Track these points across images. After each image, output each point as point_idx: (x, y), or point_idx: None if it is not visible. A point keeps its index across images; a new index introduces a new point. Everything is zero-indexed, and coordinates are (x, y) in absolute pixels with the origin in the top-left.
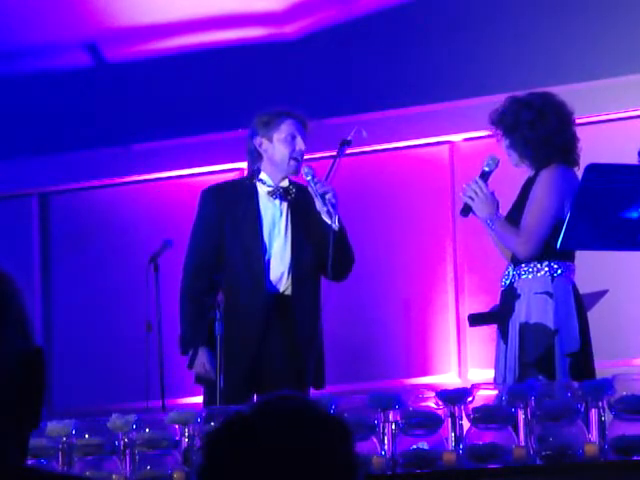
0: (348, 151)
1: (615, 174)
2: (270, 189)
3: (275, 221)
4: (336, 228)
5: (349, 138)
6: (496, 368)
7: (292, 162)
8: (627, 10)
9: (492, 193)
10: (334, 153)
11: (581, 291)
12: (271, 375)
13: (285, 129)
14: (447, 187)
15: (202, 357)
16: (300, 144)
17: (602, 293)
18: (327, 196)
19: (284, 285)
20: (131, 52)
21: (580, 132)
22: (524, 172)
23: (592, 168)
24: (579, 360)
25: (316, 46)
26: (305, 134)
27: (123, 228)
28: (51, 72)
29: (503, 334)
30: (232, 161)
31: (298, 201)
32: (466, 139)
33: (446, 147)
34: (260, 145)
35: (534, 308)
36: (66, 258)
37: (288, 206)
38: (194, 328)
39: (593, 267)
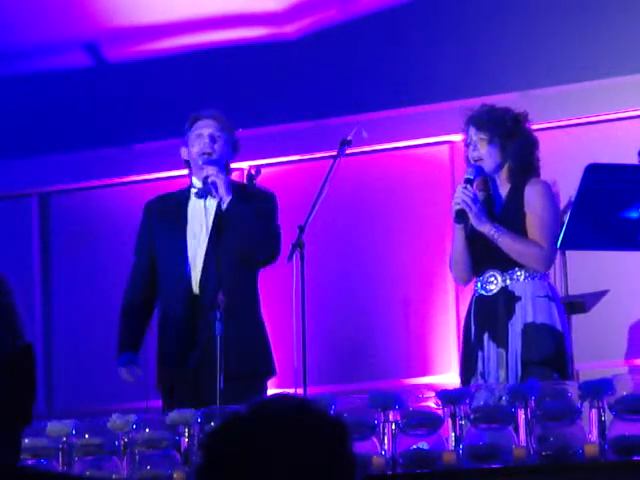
0: (348, 151)
1: (615, 174)
2: (195, 190)
3: (202, 222)
4: (223, 208)
5: (349, 138)
6: (486, 374)
7: (200, 158)
8: (627, 10)
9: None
10: (334, 153)
11: (581, 291)
12: (199, 376)
13: (193, 130)
14: (447, 187)
15: (122, 363)
16: (205, 139)
17: (602, 293)
18: (210, 179)
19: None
20: (131, 52)
21: (580, 132)
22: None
23: (592, 168)
24: (572, 363)
25: (316, 46)
26: (220, 128)
27: (123, 228)
28: (51, 72)
29: (496, 338)
30: (231, 161)
31: (231, 199)
32: None
33: (446, 147)
34: (183, 154)
35: (539, 310)
36: (66, 258)
37: (217, 205)
38: (122, 335)
39: (593, 267)
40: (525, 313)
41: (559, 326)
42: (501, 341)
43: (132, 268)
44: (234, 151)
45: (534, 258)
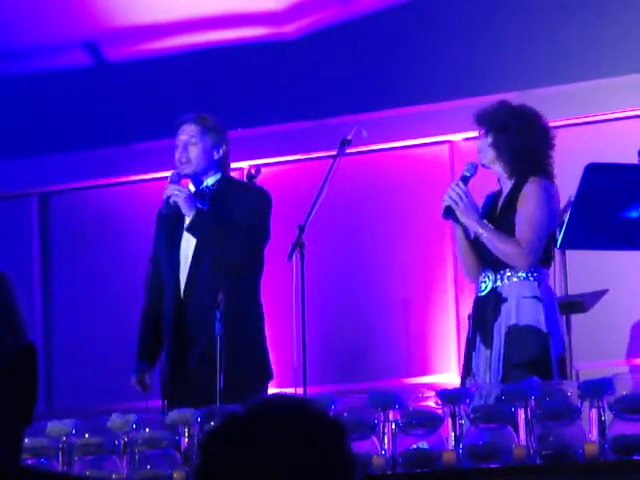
0: (348, 151)
1: (615, 174)
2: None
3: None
4: (185, 227)
5: (349, 138)
6: (476, 374)
7: (179, 166)
8: (627, 9)
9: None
10: (334, 153)
11: (581, 291)
12: (190, 378)
13: (176, 136)
14: (447, 187)
15: (138, 371)
16: (179, 149)
17: (602, 293)
18: (171, 200)
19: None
20: (131, 52)
21: (580, 132)
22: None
23: (592, 168)
24: (563, 362)
25: (316, 46)
26: (200, 131)
27: (123, 228)
28: (51, 72)
29: (485, 339)
30: (231, 161)
31: (219, 201)
32: (466, 139)
33: (446, 147)
34: None
35: (524, 311)
36: (66, 258)
37: (210, 208)
38: (140, 343)
39: (593, 267)
40: (509, 314)
41: (544, 327)
42: (488, 342)
43: (148, 274)
44: (223, 147)
45: (513, 257)
